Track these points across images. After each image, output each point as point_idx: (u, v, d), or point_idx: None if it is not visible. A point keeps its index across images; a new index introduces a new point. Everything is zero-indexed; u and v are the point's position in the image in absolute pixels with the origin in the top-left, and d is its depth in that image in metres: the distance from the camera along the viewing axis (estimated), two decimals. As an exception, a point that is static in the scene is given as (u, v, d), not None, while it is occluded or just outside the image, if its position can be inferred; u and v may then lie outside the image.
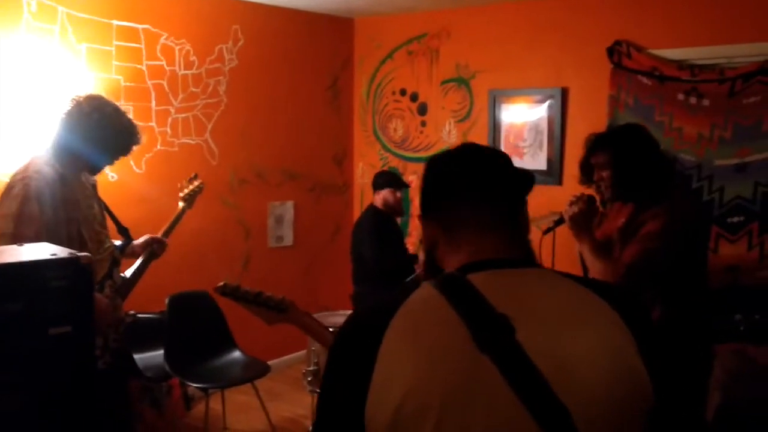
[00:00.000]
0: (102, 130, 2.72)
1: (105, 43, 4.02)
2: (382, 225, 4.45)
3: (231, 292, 1.85)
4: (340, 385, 1.10)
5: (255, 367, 4.01)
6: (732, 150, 3.98)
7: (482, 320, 1.03)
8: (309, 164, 5.39)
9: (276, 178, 5.13)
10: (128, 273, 3.11)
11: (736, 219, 3.98)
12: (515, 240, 1.22)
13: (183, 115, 4.48)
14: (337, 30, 5.54)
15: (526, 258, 1.22)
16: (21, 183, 2.57)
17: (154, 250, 3.22)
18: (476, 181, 1.22)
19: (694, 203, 3.98)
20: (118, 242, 3.08)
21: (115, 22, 4.06)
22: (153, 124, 4.31)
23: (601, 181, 2.67)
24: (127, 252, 3.16)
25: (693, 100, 4.08)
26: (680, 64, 4.11)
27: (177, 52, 4.41)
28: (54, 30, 3.79)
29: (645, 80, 4.22)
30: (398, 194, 4.51)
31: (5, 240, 2.46)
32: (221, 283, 1.87)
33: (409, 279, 4.23)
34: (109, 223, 3.02)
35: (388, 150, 5.57)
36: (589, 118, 4.39)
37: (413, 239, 5.31)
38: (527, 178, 1.27)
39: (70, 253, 1.63)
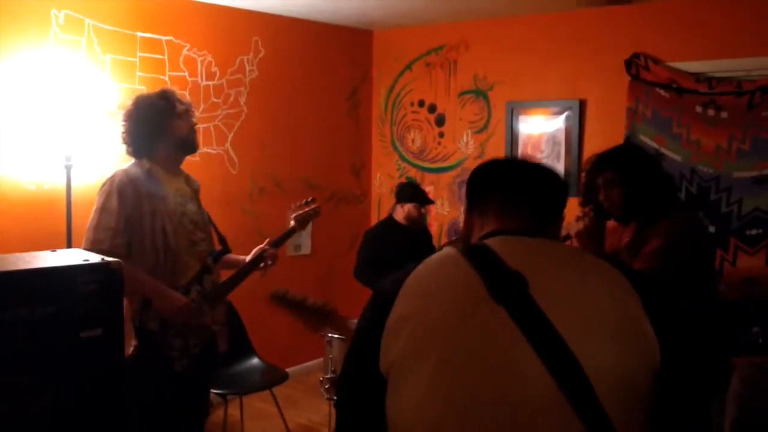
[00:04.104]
0: (158, 99, 2.91)
1: (129, 54, 4.11)
2: (387, 239, 4.41)
3: (281, 298, 1.91)
4: (364, 334, 1.23)
5: (273, 374, 4.05)
6: (751, 162, 3.98)
7: (497, 275, 1.14)
8: (327, 174, 5.44)
9: (295, 187, 5.18)
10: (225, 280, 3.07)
11: (754, 231, 3.98)
12: (536, 226, 1.31)
13: (204, 125, 4.55)
14: (356, 42, 5.60)
15: (544, 235, 1.30)
16: (109, 181, 2.80)
17: (264, 260, 3.09)
18: (505, 176, 1.38)
19: (695, 218, 3.97)
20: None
21: (139, 34, 4.15)
22: (175, 133, 4.37)
23: (607, 202, 2.64)
24: (225, 261, 3.12)
25: (711, 112, 4.09)
26: (698, 77, 4.12)
27: (199, 63, 4.49)
28: (81, 42, 3.88)
29: (663, 92, 4.23)
30: (423, 210, 4.51)
31: (90, 232, 2.71)
32: (274, 291, 1.92)
33: None
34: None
35: (405, 160, 5.61)
36: (607, 130, 4.42)
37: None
38: (562, 190, 1.39)
39: (101, 259, 1.68)
